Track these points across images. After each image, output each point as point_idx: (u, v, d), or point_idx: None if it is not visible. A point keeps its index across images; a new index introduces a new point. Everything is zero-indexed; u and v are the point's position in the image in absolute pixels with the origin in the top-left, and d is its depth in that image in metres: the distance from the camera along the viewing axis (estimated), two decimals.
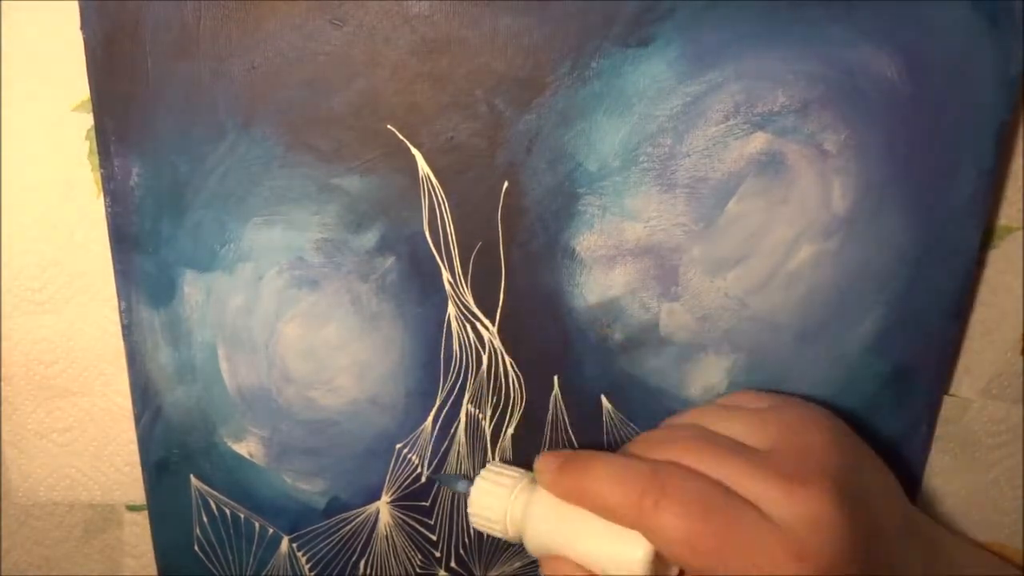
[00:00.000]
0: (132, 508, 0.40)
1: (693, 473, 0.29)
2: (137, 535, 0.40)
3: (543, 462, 0.32)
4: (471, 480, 0.34)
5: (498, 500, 0.33)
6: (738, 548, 0.27)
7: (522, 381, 0.36)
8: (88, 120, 0.33)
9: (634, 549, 0.29)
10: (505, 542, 0.38)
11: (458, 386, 0.36)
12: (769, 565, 0.27)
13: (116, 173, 0.33)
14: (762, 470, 0.29)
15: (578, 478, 0.30)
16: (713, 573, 0.28)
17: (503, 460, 0.37)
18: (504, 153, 0.33)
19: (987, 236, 0.35)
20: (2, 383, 0.37)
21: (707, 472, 0.29)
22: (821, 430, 0.31)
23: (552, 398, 0.36)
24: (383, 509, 0.38)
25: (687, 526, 0.27)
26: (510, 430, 0.37)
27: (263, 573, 0.39)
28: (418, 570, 0.39)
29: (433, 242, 0.34)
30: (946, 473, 0.39)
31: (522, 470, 0.34)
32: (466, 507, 0.34)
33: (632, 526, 0.29)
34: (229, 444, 0.37)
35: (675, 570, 0.30)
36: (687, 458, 0.30)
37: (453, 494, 0.38)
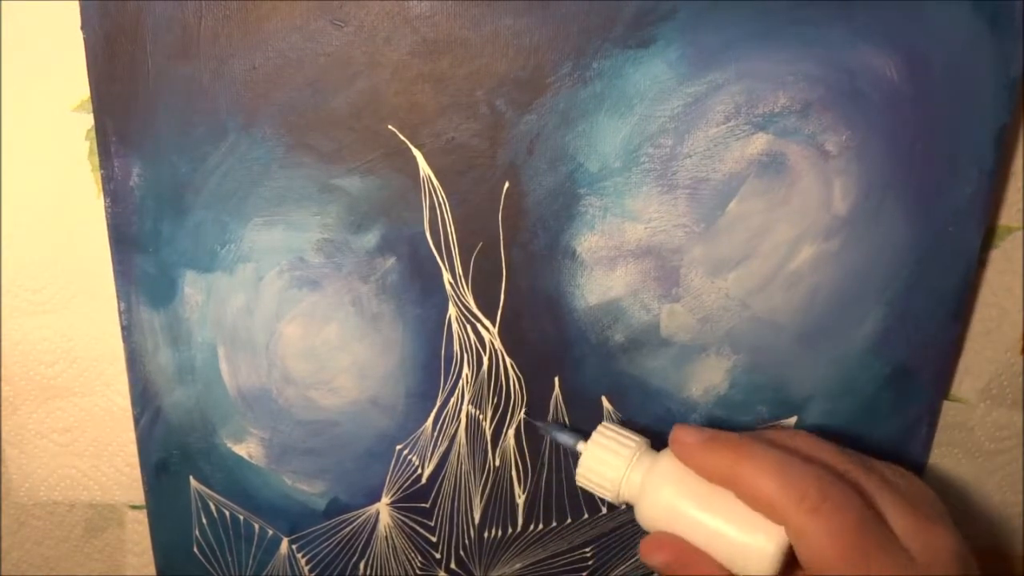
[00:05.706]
0: (133, 507, 0.40)
1: (852, 486, 0.29)
2: (139, 533, 0.40)
3: (684, 432, 0.31)
4: (578, 434, 0.33)
5: (617, 461, 0.32)
6: (881, 573, 0.27)
7: (523, 382, 0.36)
8: (88, 120, 0.33)
9: (769, 541, 0.29)
10: (505, 543, 0.38)
11: (458, 387, 0.36)
12: None
13: (116, 173, 0.33)
14: (903, 500, 0.29)
15: (732, 460, 0.29)
16: None
17: (612, 422, 0.35)
18: (505, 154, 0.33)
19: (987, 236, 0.35)
20: (2, 383, 0.37)
21: (861, 487, 0.29)
22: (918, 480, 0.32)
23: (553, 399, 0.36)
24: (383, 510, 0.38)
25: (843, 540, 0.27)
26: (511, 431, 0.37)
27: (263, 574, 0.39)
28: (418, 571, 0.39)
29: (434, 243, 0.34)
30: (946, 476, 0.39)
31: (639, 436, 0.33)
32: (574, 463, 0.33)
33: (780, 522, 0.28)
34: (229, 445, 0.37)
35: None
36: (838, 468, 0.30)
37: (453, 495, 0.38)
